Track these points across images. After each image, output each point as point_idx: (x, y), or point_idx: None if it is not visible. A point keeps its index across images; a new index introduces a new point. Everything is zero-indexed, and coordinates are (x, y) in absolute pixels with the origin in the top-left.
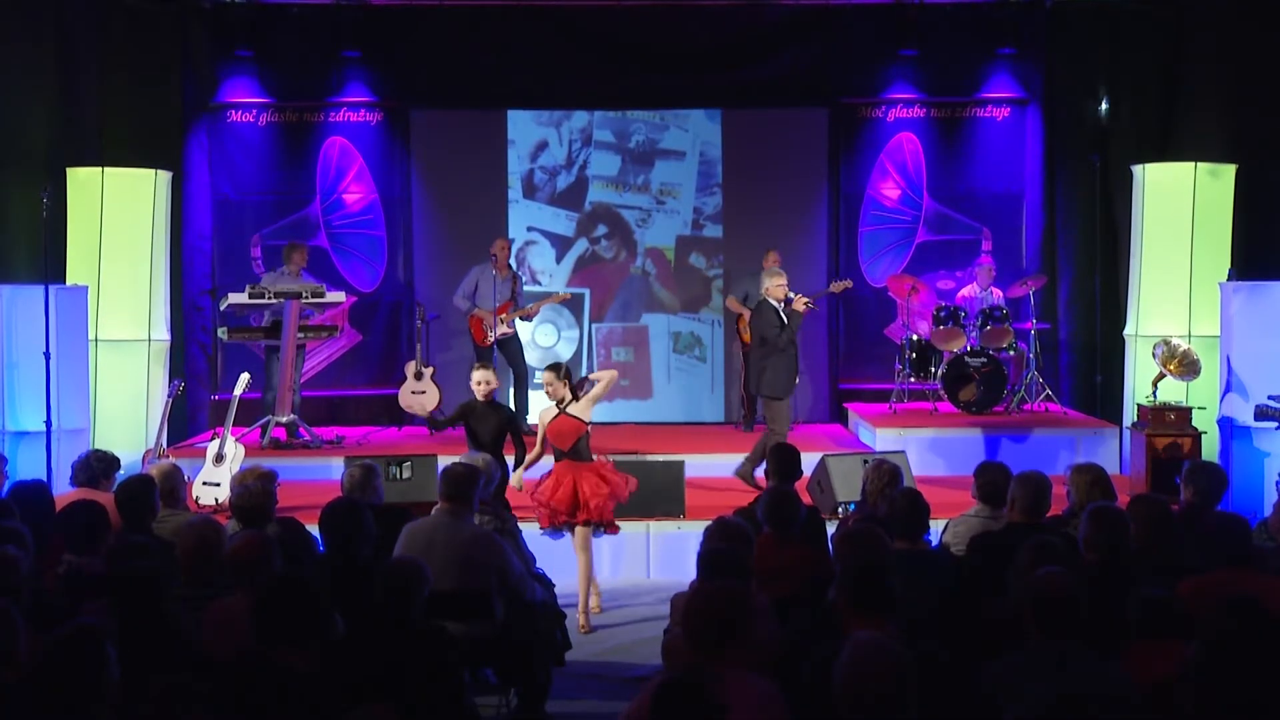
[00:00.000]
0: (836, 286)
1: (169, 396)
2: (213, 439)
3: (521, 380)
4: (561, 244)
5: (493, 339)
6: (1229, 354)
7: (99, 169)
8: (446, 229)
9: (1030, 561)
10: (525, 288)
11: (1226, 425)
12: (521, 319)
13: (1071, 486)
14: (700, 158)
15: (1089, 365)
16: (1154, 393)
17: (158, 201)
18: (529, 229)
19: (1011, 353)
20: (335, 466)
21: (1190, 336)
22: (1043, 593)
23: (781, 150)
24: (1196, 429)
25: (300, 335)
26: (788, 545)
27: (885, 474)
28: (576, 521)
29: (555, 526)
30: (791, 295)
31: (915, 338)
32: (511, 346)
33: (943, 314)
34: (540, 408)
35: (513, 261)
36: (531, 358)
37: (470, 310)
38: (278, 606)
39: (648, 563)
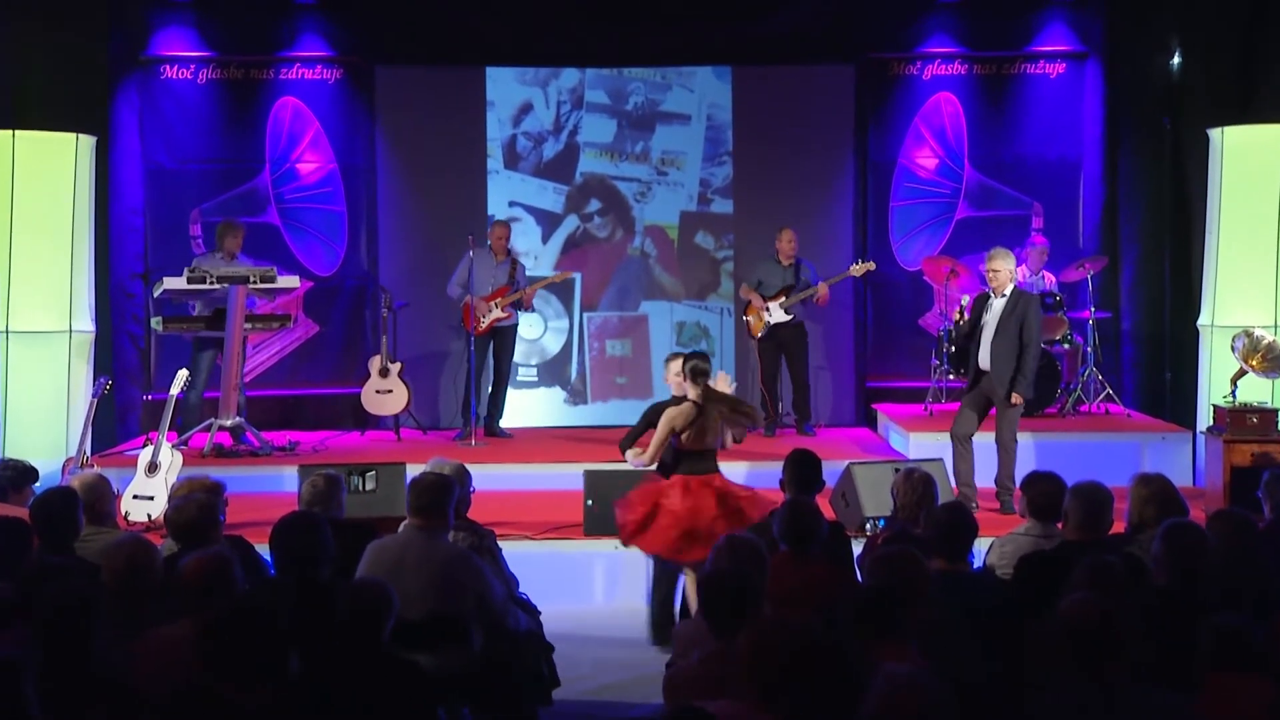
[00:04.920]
0: (858, 269)
1: (94, 396)
2: (145, 446)
3: (501, 381)
4: (549, 221)
5: (484, 326)
6: None
7: (9, 131)
8: (417, 204)
9: (1085, 585)
10: None
11: None
12: (519, 307)
13: (1131, 500)
14: (707, 122)
15: (1157, 360)
16: (1233, 392)
17: (79, 170)
18: (511, 204)
19: (1066, 346)
20: (288, 476)
21: (1276, 327)
22: (1074, 622)
23: (801, 113)
24: None
25: (247, 326)
26: (807, 565)
27: (918, 484)
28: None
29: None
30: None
31: (954, 328)
32: (504, 339)
33: None
34: (521, 411)
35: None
36: (516, 352)
37: (463, 298)
38: (228, 637)
39: (647, 586)
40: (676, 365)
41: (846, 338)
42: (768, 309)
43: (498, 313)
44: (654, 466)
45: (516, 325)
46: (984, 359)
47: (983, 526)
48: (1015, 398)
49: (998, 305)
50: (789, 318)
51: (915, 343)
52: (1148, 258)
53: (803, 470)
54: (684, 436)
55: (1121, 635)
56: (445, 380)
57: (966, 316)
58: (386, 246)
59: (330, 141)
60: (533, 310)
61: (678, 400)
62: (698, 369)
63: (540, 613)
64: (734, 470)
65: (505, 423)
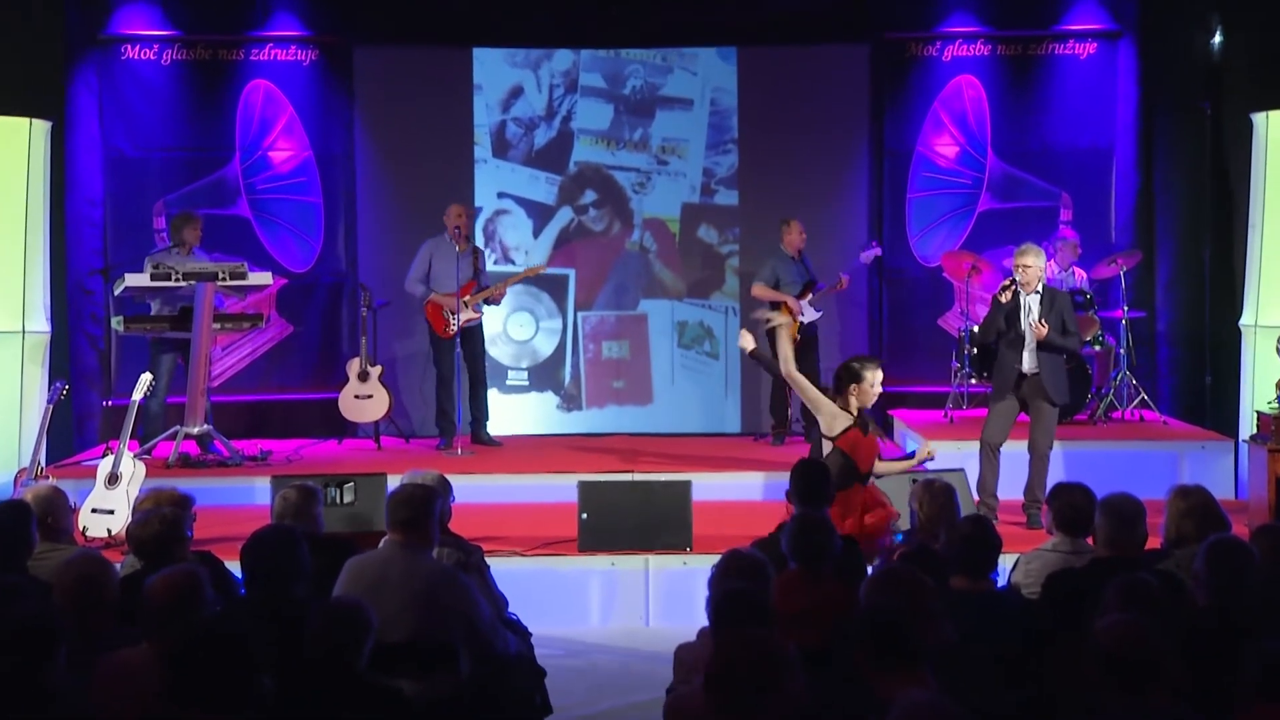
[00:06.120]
0: (866, 256)
1: (49, 402)
2: (105, 455)
3: (480, 383)
4: (540, 214)
5: (455, 329)
6: None
7: None
8: (398, 195)
9: (1119, 605)
10: (495, 267)
11: None
12: (487, 303)
13: (1167, 514)
14: (711, 107)
15: (1196, 363)
16: (1279, 397)
17: (33, 158)
18: (500, 195)
19: (1098, 347)
20: (260, 488)
21: None
22: (1114, 647)
23: (811, 97)
24: None
25: (216, 326)
26: (818, 584)
27: (939, 494)
28: None
29: None
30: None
31: (976, 329)
32: (474, 340)
33: None
34: (510, 417)
35: (478, 233)
36: (504, 354)
37: (427, 296)
38: (194, 661)
39: (646, 606)
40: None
41: (860, 338)
42: (803, 310)
43: (470, 312)
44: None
45: (482, 324)
46: (1027, 363)
47: (1007, 542)
48: (1037, 327)
49: (1034, 305)
50: (820, 314)
51: (934, 344)
52: (1185, 253)
53: (811, 481)
54: None
55: (1164, 661)
56: (429, 385)
57: (1009, 298)
58: (366, 241)
59: (305, 128)
60: (496, 304)
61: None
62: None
63: (531, 635)
64: (736, 481)
65: (493, 429)
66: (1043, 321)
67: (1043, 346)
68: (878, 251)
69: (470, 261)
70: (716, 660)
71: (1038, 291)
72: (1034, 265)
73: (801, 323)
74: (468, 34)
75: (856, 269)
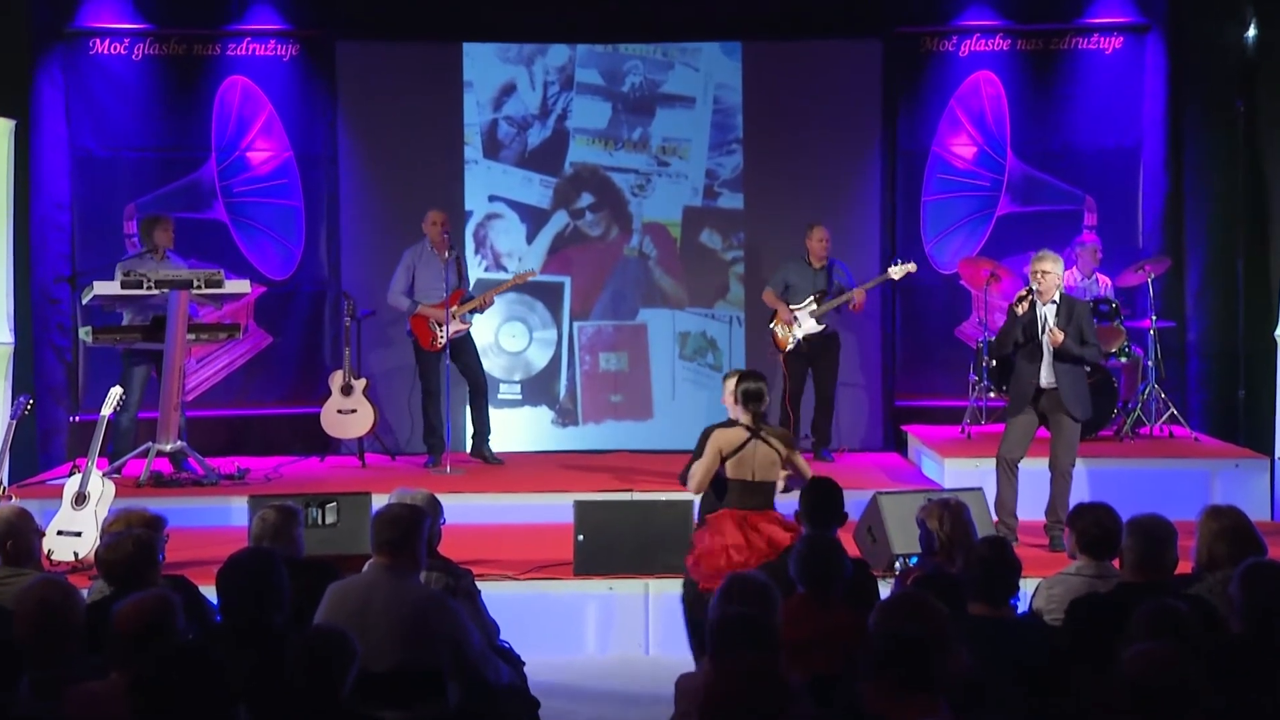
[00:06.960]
0: (897, 271)
1: (13, 417)
2: (72, 474)
3: (480, 393)
4: (534, 218)
5: (444, 341)
6: None
7: None
8: (384, 198)
9: (1148, 633)
10: (486, 274)
11: None
12: (475, 311)
13: (1198, 536)
14: (714, 105)
15: (1228, 376)
16: None
17: None
18: (492, 198)
19: (1124, 359)
20: (237, 508)
21: None
22: (1144, 677)
23: (821, 95)
24: None
25: (190, 337)
26: (828, 609)
27: (954, 512)
28: None
29: None
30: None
31: (995, 340)
32: (466, 350)
33: None
34: (503, 433)
35: (468, 238)
36: (496, 366)
37: (414, 310)
38: (165, 691)
39: (646, 633)
40: (732, 384)
41: (873, 351)
42: (797, 319)
43: (458, 322)
44: (699, 495)
45: (470, 333)
46: (1045, 377)
47: (1028, 565)
48: (1053, 333)
49: (1050, 315)
50: (821, 328)
51: (950, 356)
52: (1218, 259)
53: (822, 502)
54: (728, 464)
55: (1196, 691)
56: (416, 398)
57: (1025, 308)
58: (349, 247)
59: (285, 127)
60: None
61: (731, 423)
62: (749, 392)
63: (524, 663)
64: None
65: None
66: (1058, 327)
67: (1060, 357)
68: (912, 268)
69: (453, 269)
70: (713, 689)
71: (1055, 301)
72: (1051, 272)
73: (796, 334)
74: (457, 28)
75: (882, 287)
